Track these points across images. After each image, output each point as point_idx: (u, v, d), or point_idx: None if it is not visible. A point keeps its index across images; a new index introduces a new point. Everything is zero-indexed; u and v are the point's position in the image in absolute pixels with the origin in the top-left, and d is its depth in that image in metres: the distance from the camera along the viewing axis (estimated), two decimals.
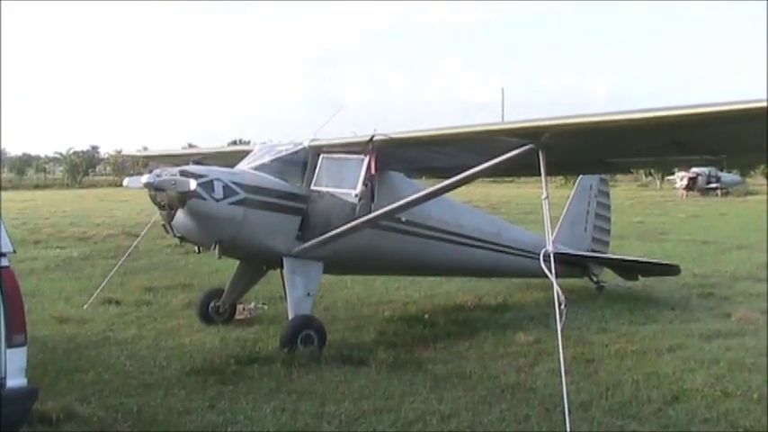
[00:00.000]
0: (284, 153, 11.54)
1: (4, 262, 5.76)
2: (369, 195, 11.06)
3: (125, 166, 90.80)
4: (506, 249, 13.66)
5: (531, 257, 12.93)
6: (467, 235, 12.98)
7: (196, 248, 11.56)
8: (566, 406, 7.40)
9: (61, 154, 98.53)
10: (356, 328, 12.24)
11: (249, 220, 10.57)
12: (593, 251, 16.08)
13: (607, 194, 17.09)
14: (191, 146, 43.60)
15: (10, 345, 5.67)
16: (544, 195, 8.57)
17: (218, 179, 10.39)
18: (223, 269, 15.50)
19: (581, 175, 16.44)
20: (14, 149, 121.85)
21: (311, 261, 11.07)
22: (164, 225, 10.88)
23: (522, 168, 11.08)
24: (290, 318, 10.71)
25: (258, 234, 10.73)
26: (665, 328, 12.36)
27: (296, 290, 10.89)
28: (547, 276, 8.21)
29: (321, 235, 10.86)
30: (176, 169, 10.33)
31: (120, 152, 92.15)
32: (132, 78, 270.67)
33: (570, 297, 9.84)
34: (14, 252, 5.97)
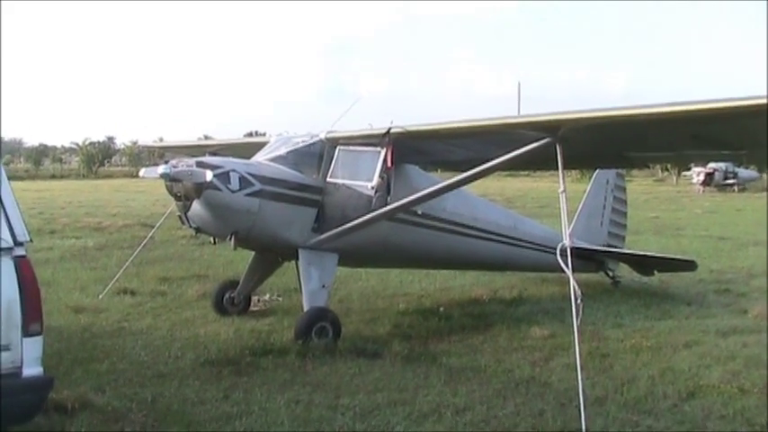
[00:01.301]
0: (300, 145, 11.52)
1: (21, 251, 5.78)
2: (385, 188, 11.02)
3: (141, 156, 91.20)
4: (522, 243, 13.62)
5: (546, 251, 12.89)
6: (483, 228, 12.94)
7: (211, 239, 11.60)
8: (581, 401, 7.38)
9: (77, 144, 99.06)
10: (371, 320, 12.24)
11: (265, 212, 10.56)
12: (609, 246, 16.02)
13: (623, 189, 17.01)
14: (206, 137, 43.71)
15: (26, 334, 5.69)
16: (561, 189, 8.51)
17: (234, 170, 10.39)
18: (238, 260, 15.52)
19: (598, 170, 16.37)
20: (31, 140, 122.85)
21: (327, 253, 11.07)
22: (179, 216, 10.89)
23: (538, 162, 11.01)
24: (304, 309, 10.70)
25: (274, 225, 10.72)
26: (680, 323, 12.30)
27: (311, 282, 10.88)
28: (563, 271, 8.17)
29: (337, 227, 10.85)
30: (192, 160, 10.33)
31: (136, 143, 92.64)
32: (148, 70, 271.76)
33: (586, 292, 9.79)
34: (31, 241, 5.98)
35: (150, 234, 16.17)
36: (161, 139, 35.88)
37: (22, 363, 5.68)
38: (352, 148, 11.29)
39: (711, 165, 58.46)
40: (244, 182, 10.41)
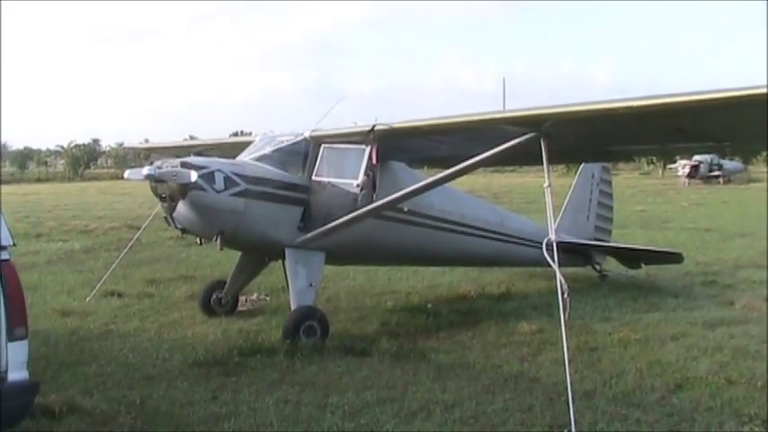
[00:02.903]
0: (285, 144, 11.51)
1: (5, 255, 5.75)
2: (370, 185, 11.02)
3: (126, 158, 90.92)
4: (509, 239, 13.63)
5: (533, 246, 12.91)
6: (469, 224, 12.94)
7: (198, 240, 11.56)
8: (569, 395, 7.37)
9: (62, 147, 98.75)
10: (359, 318, 12.23)
11: (250, 211, 10.54)
12: (595, 240, 16.06)
13: (609, 183, 17.05)
14: (192, 137, 43.59)
15: (11, 338, 5.66)
16: (546, 184, 8.52)
17: (219, 170, 10.36)
18: (225, 261, 15.49)
19: (583, 164, 16.40)
20: (16, 143, 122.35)
21: (313, 252, 11.05)
22: (165, 217, 10.86)
23: (524, 157, 11.05)
24: (292, 309, 10.68)
25: (260, 225, 10.70)
26: (668, 316, 12.33)
27: (298, 281, 10.86)
28: (550, 265, 8.18)
29: (323, 225, 10.83)
30: (177, 161, 10.31)
31: (121, 145, 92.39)
32: (133, 71, 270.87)
33: (573, 286, 9.80)
34: (14, 245, 5.94)
35: (136, 236, 16.10)
36: (146, 141, 35.79)
37: (7, 367, 5.65)
38: (336, 146, 11.28)
39: (696, 157, 58.78)
40: (229, 182, 10.38)
